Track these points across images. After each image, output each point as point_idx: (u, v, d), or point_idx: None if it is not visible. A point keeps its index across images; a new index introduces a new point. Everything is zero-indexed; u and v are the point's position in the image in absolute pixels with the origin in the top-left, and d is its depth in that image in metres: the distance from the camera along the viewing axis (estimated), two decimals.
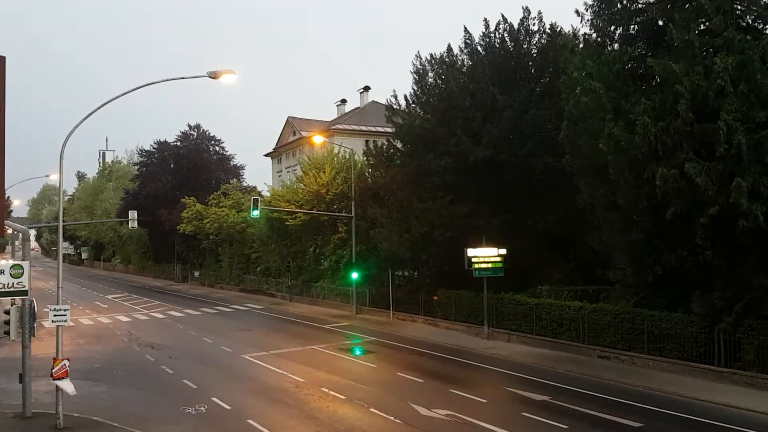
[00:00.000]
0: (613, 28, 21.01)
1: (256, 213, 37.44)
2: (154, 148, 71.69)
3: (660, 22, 20.05)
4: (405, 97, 32.05)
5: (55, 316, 15.97)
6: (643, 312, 21.49)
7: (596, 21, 21.10)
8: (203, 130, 70.78)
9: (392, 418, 16.15)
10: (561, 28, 29.01)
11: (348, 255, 37.43)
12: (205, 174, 67.56)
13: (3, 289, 15.85)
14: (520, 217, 27.39)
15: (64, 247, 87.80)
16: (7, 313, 16.74)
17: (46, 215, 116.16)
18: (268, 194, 50.27)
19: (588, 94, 20.23)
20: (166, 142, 71.11)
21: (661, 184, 17.72)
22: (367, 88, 60.33)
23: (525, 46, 29.37)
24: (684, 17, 18.32)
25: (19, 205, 77.00)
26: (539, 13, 29.11)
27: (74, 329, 30.98)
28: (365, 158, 37.84)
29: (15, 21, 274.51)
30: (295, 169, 52.49)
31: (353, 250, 36.29)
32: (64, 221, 26.72)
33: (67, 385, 15.70)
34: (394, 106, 32.85)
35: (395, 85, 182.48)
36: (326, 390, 18.96)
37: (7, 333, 16.76)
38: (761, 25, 19.01)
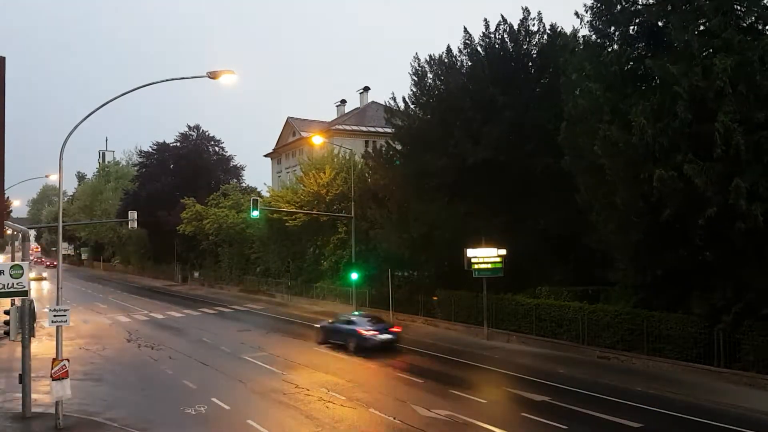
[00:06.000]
0: (612, 29, 21.02)
1: (256, 214, 37.39)
2: (153, 149, 71.66)
3: (659, 23, 20.06)
4: (404, 98, 32.06)
5: (54, 316, 15.96)
6: (642, 312, 21.49)
7: (595, 22, 21.11)
8: (203, 130, 70.80)
9: (392, 418, 16.16)
10: (561, 28, 29.08)
11: (348, 255, 37.43)
12: (204, 174, 67.49)
13: (3, 290, 15.85)
14: (520, 218, 27.37)
15: (64, 247, 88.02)
16: (7, 313, 16.74)
17: (46, 215, 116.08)
18: (268, 195, 50.28)
19: (585, 96, 20.25)
20: (165, 143, 71.05)
21: (658, 185, 17.73)
22: (366, 89, 60.32)
23: (525, 47, 29.35)
24: (683, 18, 18.33)
25: (18, 206, 76.75)
26: (539, 13, 29.15)
27: (74, 330, 30.96)
28: (364, 160, 37.88)
29: (15, 21, 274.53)
30: (295, 170, 52.48)
31: (353, 251, 36.28)
32: (63, 221, 26.70)
33: (61, 388, 15.64)
34: (393, 108, 32.83)
35: (395, 85, 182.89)
36: (326, 390, 18.97)
37: (7, 333, 16.78)
38: (761, 26, 19.00)
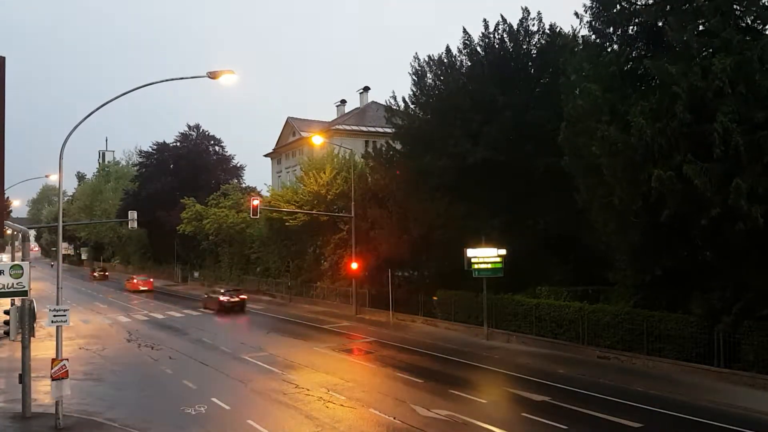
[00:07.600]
0: (611, 29, 21.02)
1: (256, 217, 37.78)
2: (153, 149, 71.64)
3: (658, 24, 20.06)
4: (404, 98, 32.08)
5: (54, 316, 15.96)
6: (642, 312, 21.49)
7: (595, 22, 21.11)
8: (203, 130, 70.77)
9: (392, 418, 16.16)
10: (560, 28, 29.10)
11: (348, 255, 37.45)
12: (204, 174, 67.49)
13: (3, 290, 15.85)
14: (520, 218, 27.38)
15: (64, 247, 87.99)
16: (7, 313, 16.75)
17: (46, 215, 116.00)
18: (268, 194, 50.24)
19: (585, 97, 20.24)
20: (165, 143, 71.03)
21: (657, 185, 17.73)
22: (366, 89, 60.26)
23: (525, 47, 29.37)
24: (682, 18, 18.33)
25: (18, 206, 76.82)
26: (539, 13, 29.19)
27: (74, 330, 30.98)
28: (364, 160, 37.89)
29: (17, 21, 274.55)
30: (295, 170, 52.44)
31: (353, 251, 36.29)
32: (63, 221, 26.70)
33: (60, 388, 15.63)
34: (393, 107, 32.83)
35: (395, 85, 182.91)
36: (325, 390, 18.98)
37: (7, 333, 16.78)
38: (760, 26, 19.00)
